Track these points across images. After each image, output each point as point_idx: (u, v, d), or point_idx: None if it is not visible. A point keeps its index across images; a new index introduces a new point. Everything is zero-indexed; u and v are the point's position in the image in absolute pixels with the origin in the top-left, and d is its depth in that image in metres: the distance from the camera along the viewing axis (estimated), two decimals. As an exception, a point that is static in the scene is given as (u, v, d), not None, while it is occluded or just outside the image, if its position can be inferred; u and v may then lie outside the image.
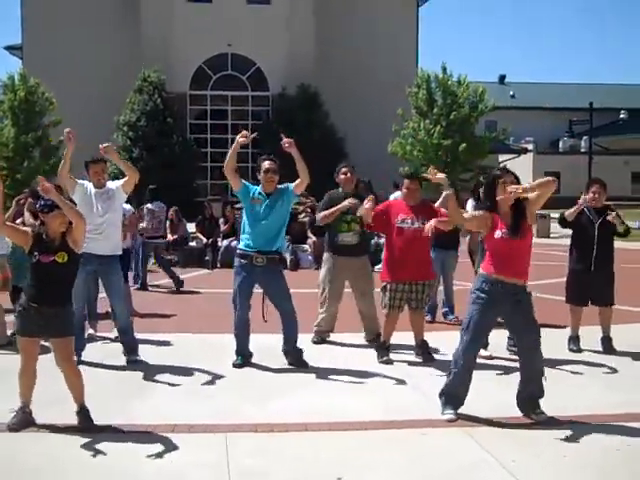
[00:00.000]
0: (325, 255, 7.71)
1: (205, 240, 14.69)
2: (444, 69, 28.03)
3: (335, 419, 5.13)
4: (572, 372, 6.43)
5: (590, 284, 7.13)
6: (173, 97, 30.15)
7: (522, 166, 33.24)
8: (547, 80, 59.54)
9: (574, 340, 7.25)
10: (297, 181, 6.57)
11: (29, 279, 4.97)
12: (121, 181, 6.86)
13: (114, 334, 7.47)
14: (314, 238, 14.20)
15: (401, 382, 6.08)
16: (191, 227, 15.59)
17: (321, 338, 7.58)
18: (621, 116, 48.80)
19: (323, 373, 6.33)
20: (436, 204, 7.02)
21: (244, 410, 5.32)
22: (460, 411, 5.17)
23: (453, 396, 5.20)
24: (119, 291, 6.76)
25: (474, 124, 28.02)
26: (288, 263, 13.10)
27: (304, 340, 6.92)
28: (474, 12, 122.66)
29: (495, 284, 5.06)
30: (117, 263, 6.80)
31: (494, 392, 5.63)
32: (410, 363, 6.73)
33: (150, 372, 6.34)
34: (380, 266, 7.26)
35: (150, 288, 11.55)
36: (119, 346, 6.88)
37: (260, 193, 6.60)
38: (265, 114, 32.51)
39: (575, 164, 35.42)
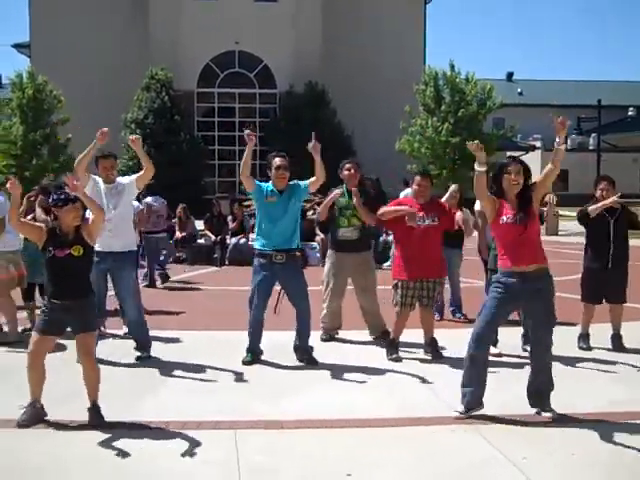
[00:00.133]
0: (328, 251, 7.73)
1: (213, 237, 14.69)
2: (452, 66, 28.02)
3: (344, 416, 5.12)
4: (582, 370, 6.40)
5: (606, 282, 7.08)
6: (181, 95, 30.21)
7: (530, 163, 32.30)
8: (552, 78, 59.10)
9: (584, 338, 7.21)
10: (312, 178, 6.56)
11: (46, 275, 5.00)
12: (134, 176, 6.82)
13: (123, 331, 7.49)
14: (322, 235, 14.19)
15: (410, 380, 6.06)
16: (199, 224, 15.59)
17: (329, 335, 7.58)
18: (629, 113, 48.50)
19: (332, 370, 6.32)
20: (442, 200, 7.01)
21: (254, 407, 5.32)
22: (470, 409, 5.14)
23: (468, 390, 5.09)
24: (128, 287, 6.73)
25: (482, 121, 28.02)
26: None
27: (313, 337, 6.91)
28: (476, 12, 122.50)
29: (514, 276, 4.98)
30: (131, 260, 6.78)
31: (503, 389, 5.60)
32: (420, 360, 6.72)
33: (159, 369, 6.34)
34: (389, 263, 7.25)
35: (168, 283, 11.64)
36: (128, 343, 6.89)
37: (272, 191, 6.59)
38: (272, 111, 32.54)
39: (583, 161, 35.25)
